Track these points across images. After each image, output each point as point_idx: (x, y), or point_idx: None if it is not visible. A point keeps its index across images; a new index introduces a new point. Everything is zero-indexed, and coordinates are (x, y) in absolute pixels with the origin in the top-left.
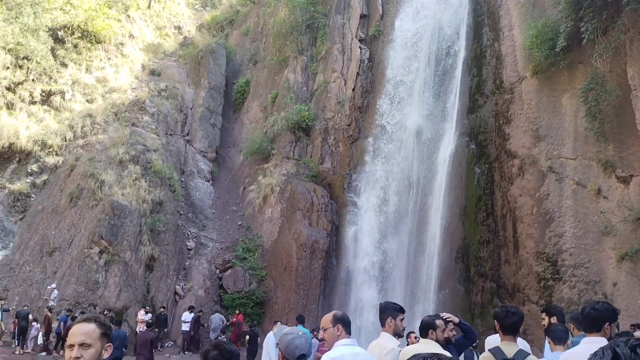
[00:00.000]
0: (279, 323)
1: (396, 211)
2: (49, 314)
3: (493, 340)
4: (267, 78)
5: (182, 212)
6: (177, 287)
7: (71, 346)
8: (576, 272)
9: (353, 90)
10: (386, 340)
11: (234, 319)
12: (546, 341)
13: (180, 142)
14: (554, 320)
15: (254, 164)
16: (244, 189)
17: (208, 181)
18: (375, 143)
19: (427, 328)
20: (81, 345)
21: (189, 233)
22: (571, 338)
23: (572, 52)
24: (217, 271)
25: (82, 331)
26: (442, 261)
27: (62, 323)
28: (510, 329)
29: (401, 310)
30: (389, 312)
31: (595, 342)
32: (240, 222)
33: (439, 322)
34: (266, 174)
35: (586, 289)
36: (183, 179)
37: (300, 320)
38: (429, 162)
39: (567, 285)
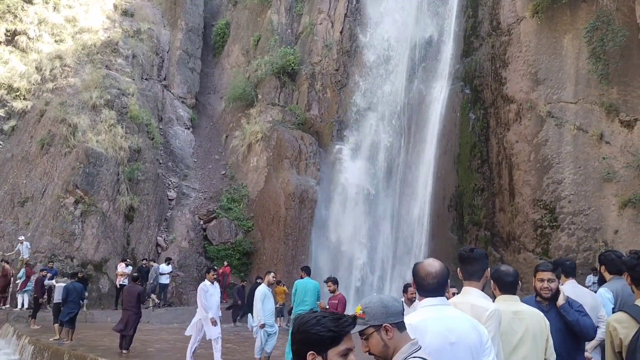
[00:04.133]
0: (272, 273)
1: (386, 158)
2: (7, 265)
3: (570, 289)
4: (248, 20)
5: (161, 161)
6: (159, 238)
7: None
8: (575, 220)
9: (341, 32)
10: (481, 298)
11: (221, 271)
12: None
13: (157, 87)
14: None
15: (237, 110)
16: (227, 136)
17: (188, 129)
18: (364, 89)
19: (517, 280)
20: None
21: (170, 183)
22: None
23: None
24: (201, 222)
25: None
26: (435, 209)
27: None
28: None
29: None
30: (483, 260)
31: None
32: (223, 172)
33: None
34: (250, 121)
35: (585, 237)
36: (161, 127)
37: (307, 271)
38: (421, 108)
39: (565, 233)
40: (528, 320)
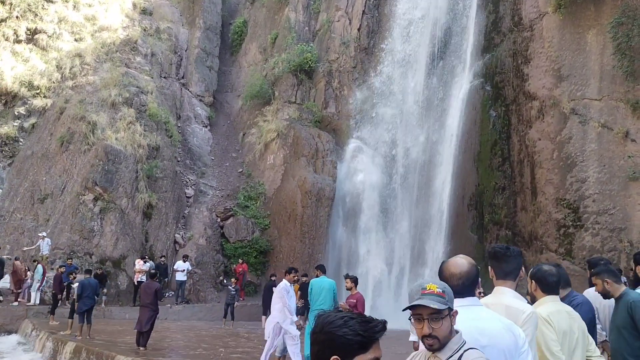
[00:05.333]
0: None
1: (404, 156)
2: (17, 262)
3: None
4: (266, 17)
5: (179, 159)
6: (176, 235)
7: None
8: (599, 219)
9: (358, 30)
10: (515, 299)
11: (239, 269)
12: None
13: (175, 85)
14: None
15: (254, 108)
16: (244, 134)
17: (206, 127)
18: (382, 86)
19: (560, 280)
20: None
21: (188, 180)
22: None
23: None
24: (218, 219)
25: None
26: (454, 208)
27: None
28: None
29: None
30: (519, 258)
31: None
32: (240, 169)
33: None
34: (267, 119)
35: (610, 237)
36: (179, 124)
37: (322, 270)
38: (440, 105)
39: (589, 233)
40: (578, 319)
